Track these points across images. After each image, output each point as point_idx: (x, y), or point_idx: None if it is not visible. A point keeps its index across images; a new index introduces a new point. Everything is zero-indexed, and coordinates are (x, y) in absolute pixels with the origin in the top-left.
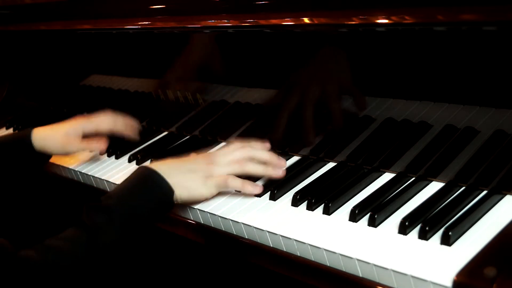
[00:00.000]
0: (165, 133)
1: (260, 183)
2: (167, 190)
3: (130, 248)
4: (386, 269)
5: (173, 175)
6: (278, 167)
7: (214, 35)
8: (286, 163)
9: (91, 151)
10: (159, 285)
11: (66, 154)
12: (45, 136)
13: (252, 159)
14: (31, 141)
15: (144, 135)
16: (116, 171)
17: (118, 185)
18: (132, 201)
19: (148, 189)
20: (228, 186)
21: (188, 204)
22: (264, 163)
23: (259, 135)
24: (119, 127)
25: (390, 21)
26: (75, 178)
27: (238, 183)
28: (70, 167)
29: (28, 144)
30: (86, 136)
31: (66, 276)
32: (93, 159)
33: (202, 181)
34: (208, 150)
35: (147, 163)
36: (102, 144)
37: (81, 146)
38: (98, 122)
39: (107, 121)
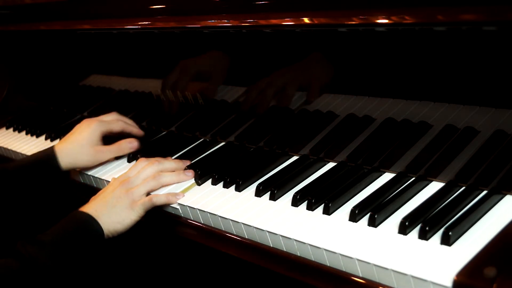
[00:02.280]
0: (165, 132)
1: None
2: (97, 229)
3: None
4: (386, 269)
5: (102, 215)
6: (186, 171)
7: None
8: (189, 162)
9: (124, 154)
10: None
11: (97, 163)
12: (72, 153)
13: (162, 171)
14: (58, 161)
15: (146, 135)
16: (117, 170)
17: (54, 226)
18: (64, 237)
19: (80, 228)
20: (155, 205)
21: (122, 233)
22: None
23: (259, 135)
24: (130, 126)
25: (390, 21)
26: (76, 180)
27: (162, 199)
28: None
29: (54, 165)
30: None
31: None
32: None
33: (128, 210)
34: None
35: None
36: (133, 142)
37: (112, 153)
38: (110, 123)
39: (118, 121)
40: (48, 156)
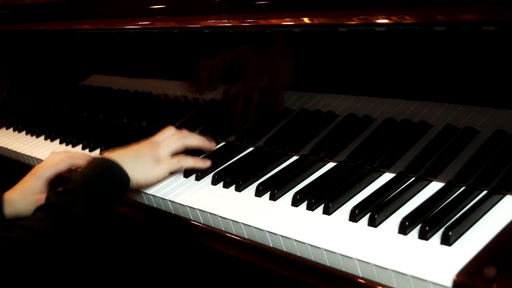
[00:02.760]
0: None
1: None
2: (124, 175)
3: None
4: (386, 269)
5: (127, 163)
6: (209, 141)
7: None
8: (215, 145)
9: None
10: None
11: None
12: (15, 203)
13: (187, 137)
14: (3, 210)
15: (145, 135)
16: None
17: (79, 172)
18: (93, 184)
19: (107, 175)
20: (182, 166)
21: (144, 187)
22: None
23: (259, 135)
24: (77, 160)
25: (390, 21)
26: None
27: (190, 162)
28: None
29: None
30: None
31: (40, 251)
32: None
33: (152, 165)
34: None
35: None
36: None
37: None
38: (56, 165)
39: (65, 160)
40: None
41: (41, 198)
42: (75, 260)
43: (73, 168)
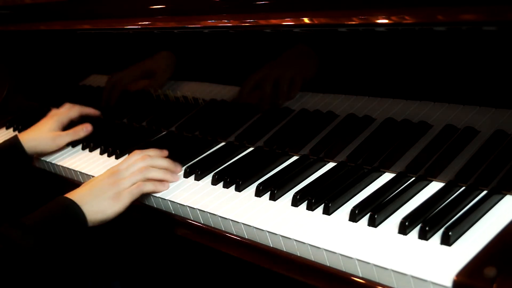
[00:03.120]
0: (165, 133)
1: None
2: (80, 217)
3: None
4: (386, 269)
5: (86, 204)
6: (175, 172)
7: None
8: (181, 169)
9: (80, 137)
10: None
11: (57, 147)
12: (34, 138)
13: (154, 166)
14: (22, 146)
15: (145, 135)
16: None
17: (37, 210)
18: (47, 223)
19: (63, 215)
20: (142, 192)
21: (104, 223)
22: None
23: (259, 135)
24: (86, 109)
25: (390, 21)
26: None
27: (150, 187)
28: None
29: (21, 150)
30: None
31: None
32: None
33: (112, 201)
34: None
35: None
36: (88, 127)
37: (69, 137)
38: (67, 112)
39: (73, 108)
40: (13, 142)
41: (58, 134)
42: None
43: (83, 114)
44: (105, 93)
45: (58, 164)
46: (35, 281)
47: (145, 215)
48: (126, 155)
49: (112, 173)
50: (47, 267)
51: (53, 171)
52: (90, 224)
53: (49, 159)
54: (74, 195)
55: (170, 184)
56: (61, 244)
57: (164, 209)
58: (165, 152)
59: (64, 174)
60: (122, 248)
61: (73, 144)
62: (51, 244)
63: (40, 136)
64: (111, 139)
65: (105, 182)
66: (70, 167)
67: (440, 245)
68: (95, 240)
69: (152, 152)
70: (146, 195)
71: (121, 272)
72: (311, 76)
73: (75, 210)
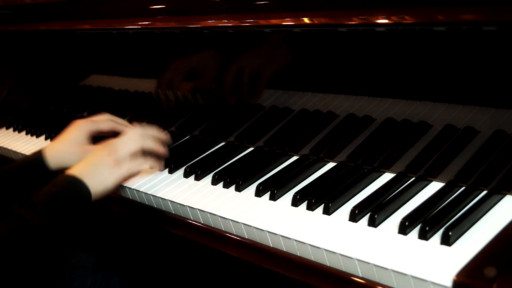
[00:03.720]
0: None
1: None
2: (84, 189)
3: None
4: (386, 269)
5: (86, 176)
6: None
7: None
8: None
9: None
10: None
11: None
12: (60, 153)
13: (143, 135)
14: (46, 162)
15: None
16: None
17: (42, 188)
18: (55, 200)
19: (69, 190)
20: (141, 168)
21: (107, 194)
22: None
23: (259, 135)
24: (120, 125)
25: (390, 21)
26: None
27: (150, 164)
28: None
29: (43, 166)
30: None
31: (5, 257)
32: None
33: (111, 170)
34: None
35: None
36: None
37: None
38: (99, 122)
39: (107, 121)
40: (37, 158)
41: (87, 149)
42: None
43: (114, 130)
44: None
45: None
46: (44, 262)
47: (145, 215)
48: None
49: (108, 144)
50: (57, 248)
51: None
52: (93, 196)
53: None
54: (74, 170)
55: (170, 184)
56: (69, 220)
57: (164, 209)
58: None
59: None
60: (123, 247)
61: None
62: (61, 221)
63: (67, 150)
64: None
65: (102, 153)
66: None
67: (440, 245)
68: (96, 236)
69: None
70: (146, 195)
71: (121, 269)
72: (311, 76)
73: (79, 185)
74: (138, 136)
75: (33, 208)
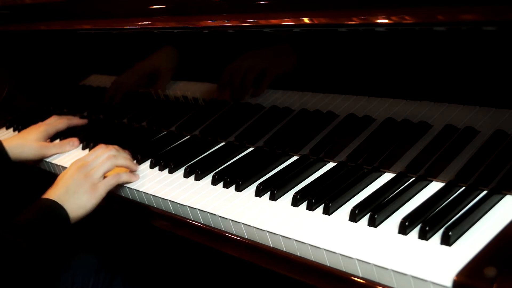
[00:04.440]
0: (165, 133)
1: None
2: (62, 215)
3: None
4: (386, 269)
5: (66, 201)
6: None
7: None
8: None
9: (66, 151)
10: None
11: (42, 157)
12: (19, 145)
13: (116, 155)
14: (6, 151)
15: (145, 135)
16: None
17: (23, 212)
18: (35, 225)
19: (48, 215)
20: (119, 182)
21: (85, 216)
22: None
23: (259, 135)
24: (72, 120)
25: (390, 21)
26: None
27: (126, 177)
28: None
29: (4, 155)
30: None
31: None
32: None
33: (89, 194)
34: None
35: None
36: (75, 142)
37: (55, 149)
38: (55, 124)
39: (61, 120)
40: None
41: (43, 145)
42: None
43: (70, 126)
44: (109, 94)
45: (59, 164)
46: (30, 279)
47: (145, 215)
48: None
49: (82, 166)
50: (38, 265)
51: (53, 171)
52: (72, 220)
53: (49, 159)
54: (53, 195)
55: (170, 184)
56: (49, 242)
57: (164, 209)
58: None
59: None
60: (125, 247)
61: None
62: (41, 243)
63: (25, 144)
64: (111, 140)
65: (77, 176)
66: (65, 166)
67: (440, 245)
68: (98, 236)
69: (114, 146)
70: (146, 195)
71: (123, 269)
72: (311, 76)
73: (59, 210)
74: (110, 155)
75: (14, 231)
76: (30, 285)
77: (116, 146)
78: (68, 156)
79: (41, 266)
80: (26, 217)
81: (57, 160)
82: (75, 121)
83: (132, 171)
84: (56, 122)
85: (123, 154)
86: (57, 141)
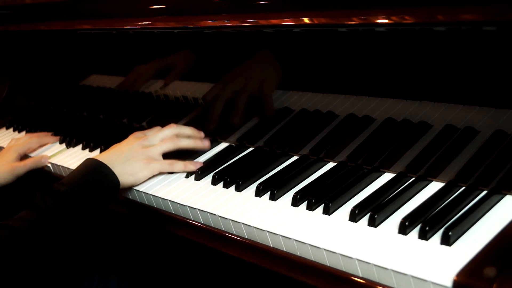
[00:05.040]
0: None
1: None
2: (112, 178)
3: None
4: (386, 269)
5: (116, 165)
6: (202, 139)
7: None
8: (208, 142)
9: (40, 166)
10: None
11: (16, 178)
12: None
13: (179, 135)
14: None
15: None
16: None
17: (69, 173)
18: (80, 187)
19: (96, 177)
20: (173, 170)
21: (133, 186)
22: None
23: (259, 135)
24: (44, 138)
25: (390, 21)
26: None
27: (181, 167)
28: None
29: None
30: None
31: (21, 250)
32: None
33: (142, 165)
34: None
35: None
36: (46, 158)
37: (26, 167)
38: (26, 143)
39: (32, 139)
40: None
41: (16, 165)
42: (62, 258)
43: (42, 144)
44: (127, 84)
45: (59, 164)
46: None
47: (145, 215)
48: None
49: (140, 138)
50: (78, 236)
51: (53, 171)
52: (121, 186)
53: (50, 160)
54: (103, 157)
55: (171, 184)
56: (95, 208)
57: (164, 209)
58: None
59: (65, 175)
60: (122, 246)
61: (73, 144)
62: (84, 209)
63: None
64: (111, 140)
65: (135, 146)
66: (71, 168)
67: (440, 245)
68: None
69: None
70: (146, 195)
71: (119, 269)
72: (311, 76)
73: (107, 172)
74: (174, 136)
75: (58, 196)
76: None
77: (177, 125)
78: (68, 155)
79: (81, 238)
80: (70, 180)
81: (62, 163)
82: (47, 139)
83: (203, 147)
84: (25, 142)
85: (184, 130)
86: (29, 159)
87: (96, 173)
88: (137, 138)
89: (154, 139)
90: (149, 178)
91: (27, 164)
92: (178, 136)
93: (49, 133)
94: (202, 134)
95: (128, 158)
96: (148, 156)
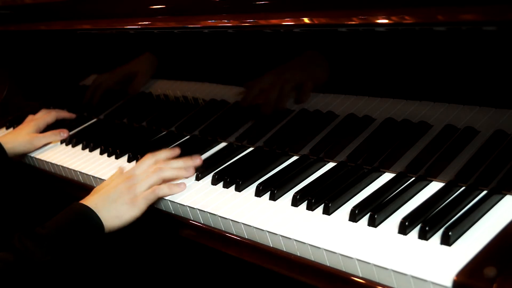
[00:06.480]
0: (165, 132)
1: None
2: (96, 222)
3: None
4: (386, 269)
5: (102, 209)
6: (190, 167)
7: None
8: (201, 160)
9: (56, 140)
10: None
11: (35, 148)
12: (13, 141)
13: (165, 167)
14: (3, 147)
15: (145, 135)
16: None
17: (52, 218)
18: (61, 231)
19: (79, 221)
20: (158, 196)
21: (120, 229)
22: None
23: (259, 135)
24: (61, 113)
25: (390, 21)
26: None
27: (166, 190)
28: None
29: (2, 151)
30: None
31: None
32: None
33: (128, 206)
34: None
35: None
36: (64, 132)
37: (45, 139)
38: (44, 118)
39: (50, 113)
40: None
41: (35, 136)
42: None
43: (59, 118)
44: (88, 93)
45: (58, 164)
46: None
47: (145, 215)
48: (126, 156)
49: (127, 178)
50: (62, 277)
51: (53, 171)
52: (106, 230)
53: (50, 159)
54: (89, 201)
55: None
56: (78, 252)
57: (164, 209)
58: (177, 151)
59: (64, 174)
60: (122, 246)
61: (73, 144)
62: (65, 253)
63: (17, 139)
64: (111, 139)
65: (120, 187)
66: (70, 167)
67: (440, 245)
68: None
69: (164, 153)
70: None
71: (120, 273)
72: (321, 79)
73: (92, 217)
74: (157, 168)
75: (37, 240)
76: None
77: (164, 153)
78: (68, 155)
79: (63, 277)
80: (55, 224)
81: (41, 155)
82: (63, 114)
83: (187, 176)
84: (45, 116)
85: (173, 164)
86: (48, 132)
87: (79, 217)
88: (124, 179)
89: (140, 177)
90: None
91: (46, 135)
92: (161, 168)
93: (65, 110)
94: (196, 161)
95: (114, 200)
96: (133, 196)
